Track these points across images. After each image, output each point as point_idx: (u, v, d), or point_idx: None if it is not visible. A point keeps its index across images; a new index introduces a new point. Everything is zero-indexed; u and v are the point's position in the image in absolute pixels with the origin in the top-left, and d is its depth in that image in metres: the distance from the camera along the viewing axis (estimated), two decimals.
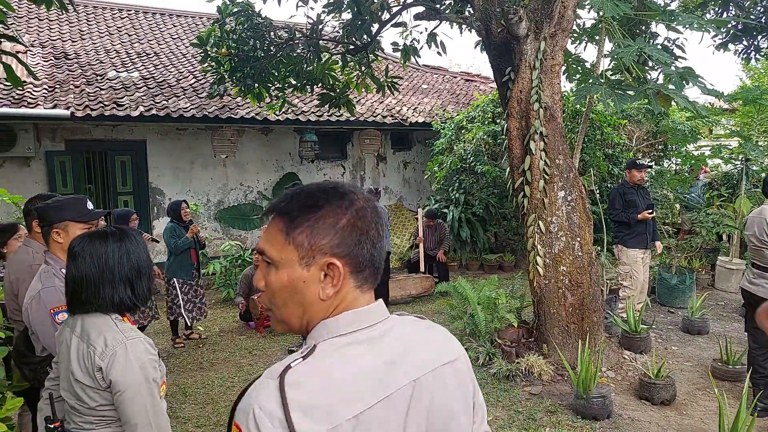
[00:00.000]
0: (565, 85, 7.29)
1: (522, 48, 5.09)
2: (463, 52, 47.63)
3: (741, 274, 6.36)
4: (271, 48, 7.17)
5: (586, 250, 5.11)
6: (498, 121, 9.55)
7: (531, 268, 5.14)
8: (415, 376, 1.00)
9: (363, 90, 8.07)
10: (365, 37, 6.98)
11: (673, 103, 4.82)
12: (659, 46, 6.05)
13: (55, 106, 7.86)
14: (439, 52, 7.29)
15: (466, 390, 1.10)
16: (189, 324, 6.35)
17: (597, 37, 6.79)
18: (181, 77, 10.08)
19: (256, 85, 7.25)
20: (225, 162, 10.15)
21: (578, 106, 9.00)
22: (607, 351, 5.16)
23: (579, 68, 7.05)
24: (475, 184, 9.97)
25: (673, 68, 4.66)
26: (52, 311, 2.28)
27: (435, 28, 7.18)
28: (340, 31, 7.31)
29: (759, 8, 7.60)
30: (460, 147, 9.85)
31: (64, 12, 4.30)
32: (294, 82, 7.64)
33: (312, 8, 31.35)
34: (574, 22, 5.68)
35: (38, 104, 7.81)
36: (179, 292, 6.12)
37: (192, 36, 11.28)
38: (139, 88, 9.16)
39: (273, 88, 7.66)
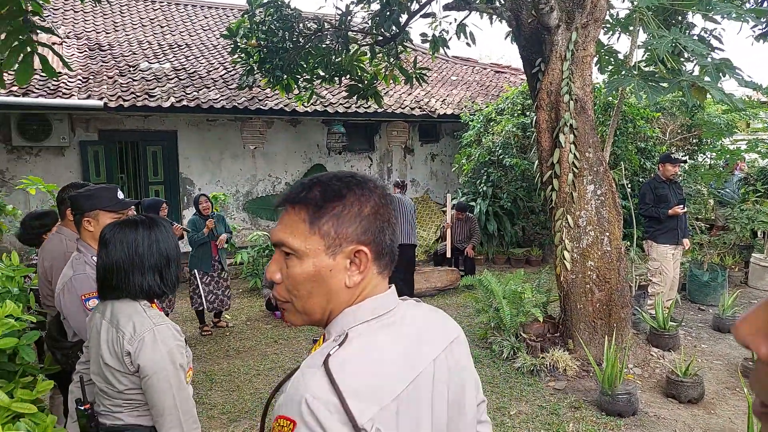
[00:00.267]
0: (597, 76, 7.14)
1: (553, 38, 5.00)
2: (493, 43, 47.11)
3: None
4: (300, 39, 7.19)
5: (615, 245, 5.03)
6: (527, 113, 9.40)
7: (558, 262, 5.08)
8: (434, 355, 1.04)
9: (391, 81, 8.05)
10: (394, 28, 6.93)
11: (708, 95, 4.69)
12: (695, 37, 5.89)
13: (88, 97, 8.03)
14: (468, 43, 7.19)
15: (469, 363, 1.17)
16: (206, 315, 6.44)
17: (631, 28, 6.62)
18: (211, 68, 10.20)
19: (285, 76, 7.29)
20: (254, 153, 10.25)
21: (610, 98, 8.82)
22: (634, 347, 5.08)
23: (611, 59, 6.90)
24: (503, 177, 9.86)
25: (709, 59, 4.54)
26: (83, 297, 2.34)
27: (464, 18, 7.09)
28: (369, 22, 7.29)
29: None
30: (488, 139, 9.75)
31: (98, 4, 4.37)
32: (322, 74, 7.66)
33: None
34: (607, 12, 5.55)
35: (72, 95, 7.99)
36: (200, 283, 6.24)
37: (222, 27, 11.39)
38: (171, 79, 9.29)
39: (301, 79, 7.70)
